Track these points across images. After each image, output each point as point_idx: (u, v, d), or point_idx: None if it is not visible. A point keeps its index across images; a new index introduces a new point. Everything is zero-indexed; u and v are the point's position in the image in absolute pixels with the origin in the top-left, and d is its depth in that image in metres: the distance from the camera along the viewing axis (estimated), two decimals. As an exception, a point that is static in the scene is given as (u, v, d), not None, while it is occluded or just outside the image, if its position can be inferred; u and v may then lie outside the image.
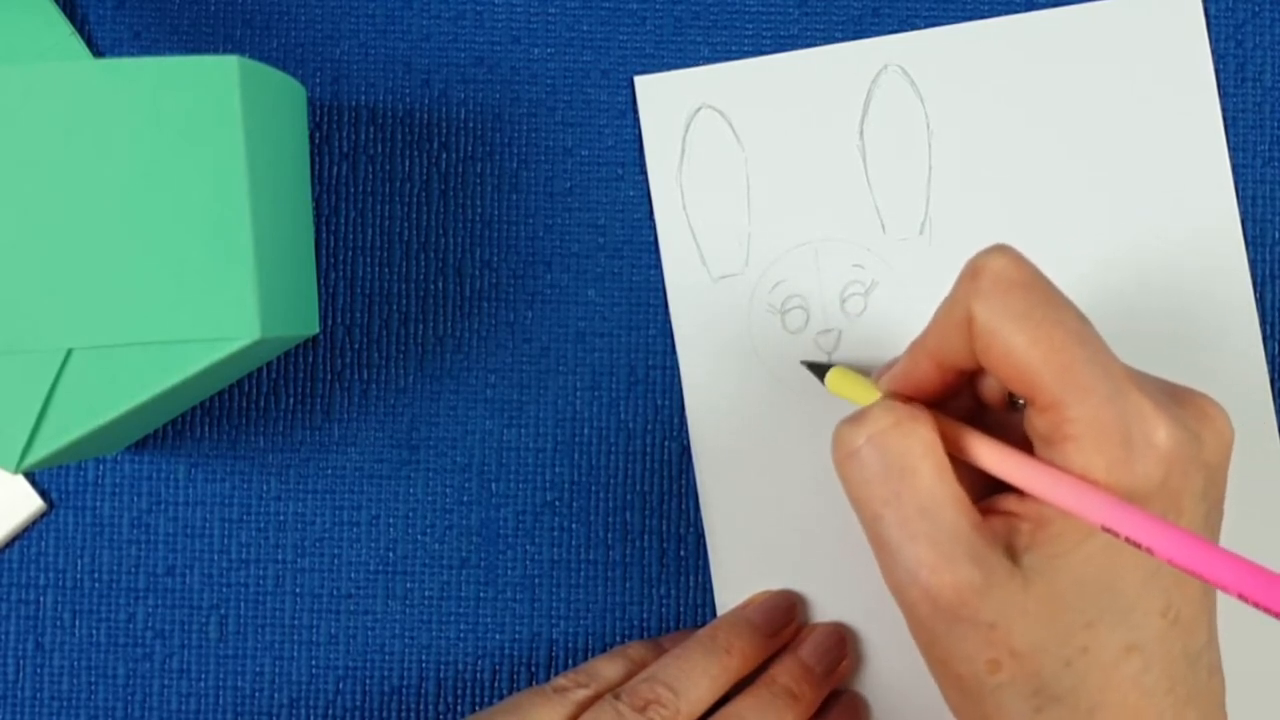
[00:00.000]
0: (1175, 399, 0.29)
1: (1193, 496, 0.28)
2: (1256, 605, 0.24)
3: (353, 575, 0.39)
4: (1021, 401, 0.30)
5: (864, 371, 0.35)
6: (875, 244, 0.39)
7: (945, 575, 0.28)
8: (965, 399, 0.32)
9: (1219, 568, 0.25)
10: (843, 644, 0.37)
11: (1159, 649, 0.29)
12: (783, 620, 0.37)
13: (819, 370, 0.36)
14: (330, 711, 0.38)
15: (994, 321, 0.28)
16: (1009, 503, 0.30)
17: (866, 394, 0.33)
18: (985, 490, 0.31)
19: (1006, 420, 0.32)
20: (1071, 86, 0.39)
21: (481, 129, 0.39)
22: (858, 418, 0.30)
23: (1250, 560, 0.25)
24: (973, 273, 0.28)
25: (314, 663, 0.38)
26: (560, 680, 0.35)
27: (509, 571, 0.39)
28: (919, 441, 0.29)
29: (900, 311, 0.38)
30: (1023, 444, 0.30)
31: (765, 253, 0.39)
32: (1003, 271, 0.28)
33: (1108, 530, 0.26)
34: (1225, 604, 0.34)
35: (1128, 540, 0.26)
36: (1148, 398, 0.28)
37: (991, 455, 0.29)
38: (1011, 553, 0.29)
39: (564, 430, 0.39)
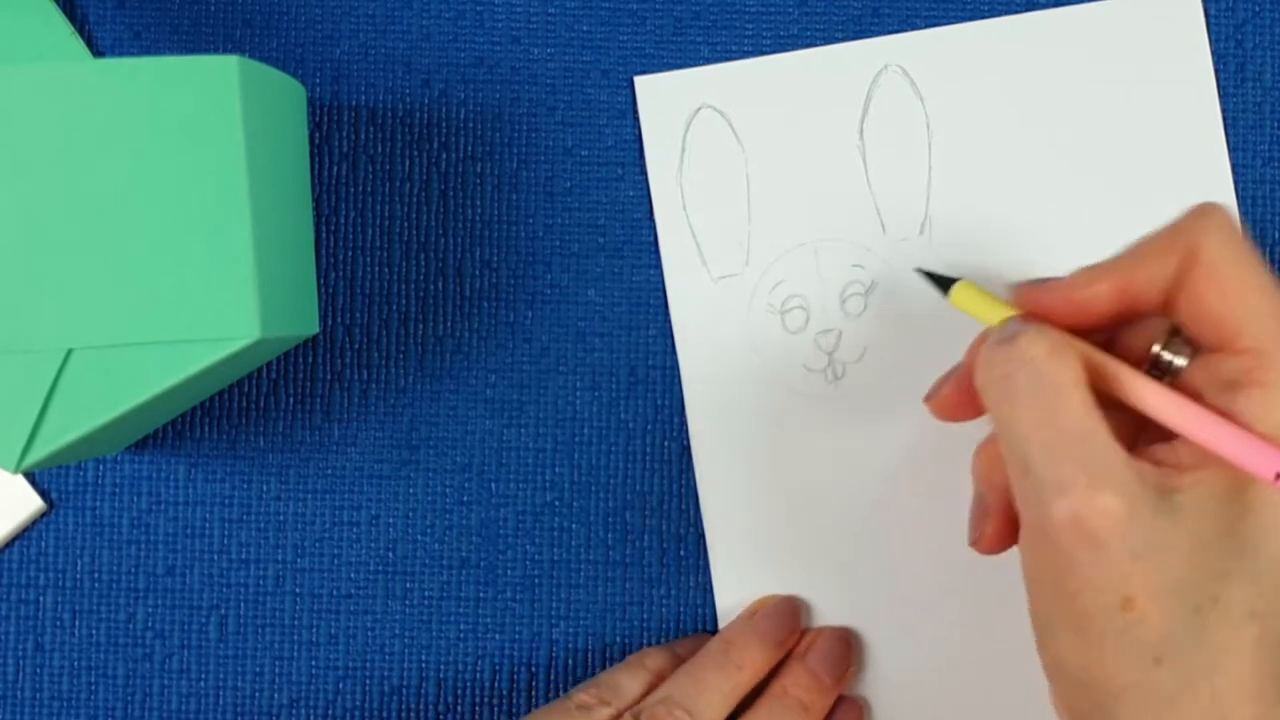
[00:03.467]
0: None
1: None
2: None
3: (353, 575, 0.39)
4: (1176, 360, 0.30)
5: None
6: (875, 244, 0.39)
7: (1098, 499, 0.28)
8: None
9: None
10: (849, 651, 0.37)
11: (1278, 626, 0.29)
12: (789, 629, 0.37)
13: (942, 282, 0.34)
14: (330, 711, 0.38)
15: (1225, 257, 0.28)
16: (1155, 452, 0.29)
17: (998, 312, 0.32)
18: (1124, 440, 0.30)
19: None
20: (1071, 86, 0.39)
21: (481, 129, 0.39)
22: (1011, 340, 0.29)
23: None
24: (1202, 212, 0.29)
25: (314, 663, 0.38)
26: (582, 696, 0.35)
27: (509, 571, 0.39)
28: (1073, 372, 0.29)
29: (900, 311, 0.38)
30: None
31: (765, 253, 0.39)
32: (1229, 219, 0.29)
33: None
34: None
35: None
36: None
37: (1158, 397, 0.29)
38: (1163, 492, 0.28)
39: (564, 430, 0.39)
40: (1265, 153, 0.39)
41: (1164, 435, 0.29)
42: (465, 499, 0.39)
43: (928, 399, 0.34)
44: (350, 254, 0.39)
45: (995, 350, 0.30)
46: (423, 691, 0.38)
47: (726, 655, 0.36)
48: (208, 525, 0.39)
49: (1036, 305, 0.31)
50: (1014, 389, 0.29)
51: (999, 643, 0.38)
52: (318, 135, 0.39)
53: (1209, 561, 0.28)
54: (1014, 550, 0.31)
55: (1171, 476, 0.29)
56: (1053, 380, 0.29)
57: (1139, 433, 0.30)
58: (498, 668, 0.38)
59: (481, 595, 0.38)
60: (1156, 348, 0.31)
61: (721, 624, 0.38)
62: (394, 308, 0.39)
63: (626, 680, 0.36)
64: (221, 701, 0.38)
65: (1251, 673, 0.28)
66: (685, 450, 0.39)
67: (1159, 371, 0.31)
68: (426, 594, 0.38)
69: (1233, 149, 0.39)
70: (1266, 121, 0.39)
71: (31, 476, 0.38)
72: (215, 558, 0.38)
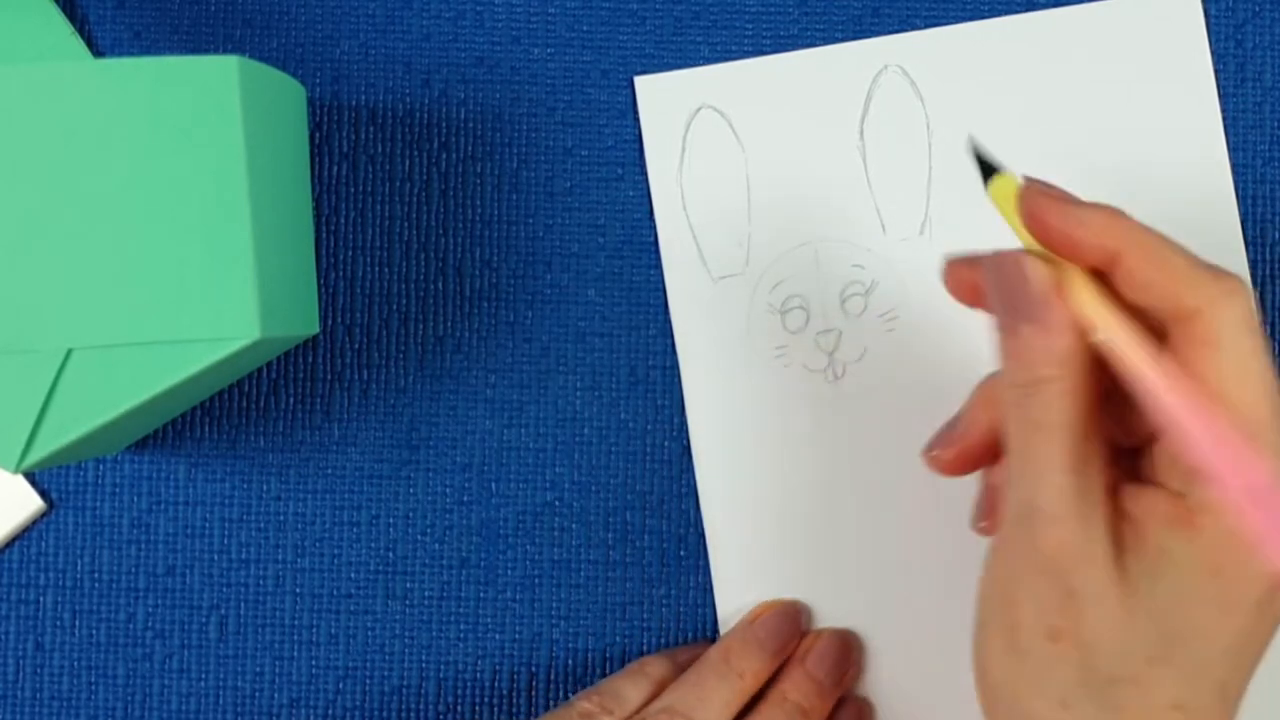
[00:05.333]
0: None
1: None
2: None
3: (353, 575, 0.39)
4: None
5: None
6: (875, 244, 0.39)
7: (1060, 527, 0.28)
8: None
9: None
10: (849, 653, 0.37)
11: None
12: (789, 635, 0.37)
13: (987, 169, 0.32)
14: (330, 711, 0.38)
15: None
16: (1127, 502, 0.29)
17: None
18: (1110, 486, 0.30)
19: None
20: (1071, 86, 0.39)
21: (481, 129, 0.39)
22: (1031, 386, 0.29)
23: None
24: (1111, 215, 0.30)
25: (314, 663, 0.38)
26: (584, 704, 0.35)
27: (509, 571, 0.39)
28: (1075, 403, 0.28)
29: (900, 311, 0.38)
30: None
31: (765, 253, 0.39)
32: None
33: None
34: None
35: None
36: None
37: (1154, 376, 0.28)
38: (1119, 546, 0.28)
39: (564, 430, 0.39)
40: (1265, 153, 0.39)
41: (1142, 479, 0.29)
42: (465, 499, 0.39)
43: (926, 453, 0.33)
44: (350, 254, 0.39)
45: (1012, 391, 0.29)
46: (423, 691, 0.38)
47: (727, 663, 0.36)
48: (208, 525, 0.39)
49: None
50: (1036, 401, 0.28)
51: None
52: (318, 135, 0.39)
53: (1137, 642, 0.28)
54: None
55: (1131, 536, 0.28)
56: (1060, 407, 0.28)
57: (1121, 476, 0.30)
58: (498, 668, 0.38)
59: (481, 595, 0.38)
60: None
61: (721, 624, 0.38)
62: (394, 308, 0.39)
63: (628, 688, 0.36)
64: (221, 701, 0.38)
65: None
66: (685, 450, 0.39)
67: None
68: (426, 594, 0.38)
69: (1233, 149, 0.39)
70: (1266, 121, 0.39)
71: (31, 476, 0.38)
72: (215, 558, 0.38)
